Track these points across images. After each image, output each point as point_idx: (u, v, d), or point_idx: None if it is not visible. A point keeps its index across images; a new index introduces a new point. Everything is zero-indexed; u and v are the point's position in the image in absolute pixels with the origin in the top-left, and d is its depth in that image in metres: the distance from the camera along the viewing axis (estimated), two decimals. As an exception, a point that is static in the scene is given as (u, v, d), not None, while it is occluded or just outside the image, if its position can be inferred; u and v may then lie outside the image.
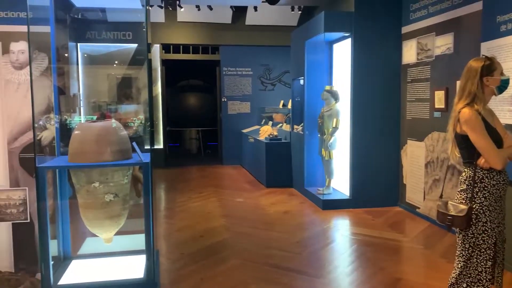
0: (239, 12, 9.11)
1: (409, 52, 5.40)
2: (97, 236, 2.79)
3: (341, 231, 4.89)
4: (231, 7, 8.86)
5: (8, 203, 2.96)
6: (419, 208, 5.22)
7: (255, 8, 8.68)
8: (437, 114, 4.85)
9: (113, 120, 2.70)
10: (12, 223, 2.98)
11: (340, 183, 6.11)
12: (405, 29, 5.48)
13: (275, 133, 7.65)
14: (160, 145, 9.44)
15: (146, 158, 2.59)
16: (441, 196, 2.56)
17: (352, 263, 3.84)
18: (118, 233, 2.83)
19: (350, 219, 5.26)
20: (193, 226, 4.96)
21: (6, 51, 2.89)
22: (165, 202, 6.39)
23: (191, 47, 9.68)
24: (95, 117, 3.64)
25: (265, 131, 7.95)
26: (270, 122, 8.65)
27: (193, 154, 11.66)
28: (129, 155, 2.65)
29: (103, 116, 3.82)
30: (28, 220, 3.00)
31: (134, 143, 2.65)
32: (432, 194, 4.97)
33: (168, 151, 9.85)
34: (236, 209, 5.81)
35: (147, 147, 3.03)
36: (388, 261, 3.83)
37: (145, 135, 3.55)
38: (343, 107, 5.80)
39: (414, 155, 5.34)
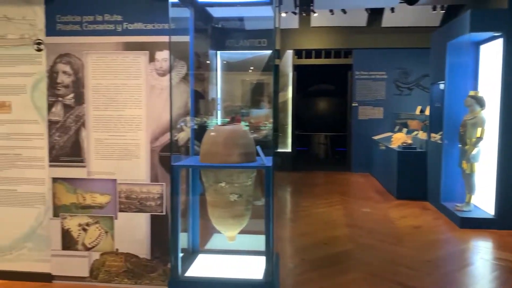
0: (375, 14, 8.79)
1: None
2: (221, 233, 2.92)
3: (481, 253, 4.35)
4: (366, 9, 8.59)
5: (148, 196, 3.29)
6: None
7: (392, 10, 8.28)
8: None
9: (242, 124, 2.80)
10: (151, 215, 3.30)
11: (483, 199, 5.46)
12: None
13: (410, 141, 7.18)
14: (288, 149, 9.59)
15: (268, 162, 2.63)
16: None
17: (493, 293, 3.39)
18: (242, 232, 2.92)
19: (493, 241, 4.65)
20: (316, 233, 4.90)
21: (152, 59, 3.22)
22: (289, 206, 6.46)
23: (323, 51, 9.64)
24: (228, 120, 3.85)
25: (398, 139, 7.50)
26: (405, 129, 8.15)
27: (320, 159, 11.60)
28: (253, 158, 2.71)
29: (234, 119, 4.02)
30: (164, 213, 3.28)
31: (258, 147, 2.71)
32: None
33: (296, 154, 9.96)
34: (362, 219, 5.59)
35: (275, 150, 3.08)
36: (540, 296, 3.29)
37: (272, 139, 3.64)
38: (489, 115, 5.17)
39: None
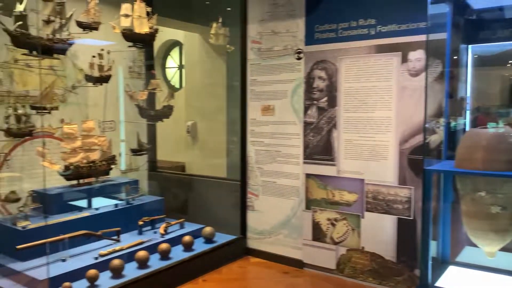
0: None
1: None
2: (477, 246, 2.66)
3: None
4: None
5: (395, 199, 3.26)
6: None
7: None
8: None
9: (506, 127, 2.49)
10: (398, 218, 3.26)
11: None
12: None
13: None
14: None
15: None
16: None
17: None
18: (503, 249, 2.60)
19: None
20: None
21: (404, 60, 3.17)
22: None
23: None
24: (497, 124, 3.46)
25: None
26: None
27: None
28: (523, 166, 2.37)
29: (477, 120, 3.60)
30: (411, 218, 3.20)
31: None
32: None
33: None
34: None
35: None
36: None
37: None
38: None
39: None
